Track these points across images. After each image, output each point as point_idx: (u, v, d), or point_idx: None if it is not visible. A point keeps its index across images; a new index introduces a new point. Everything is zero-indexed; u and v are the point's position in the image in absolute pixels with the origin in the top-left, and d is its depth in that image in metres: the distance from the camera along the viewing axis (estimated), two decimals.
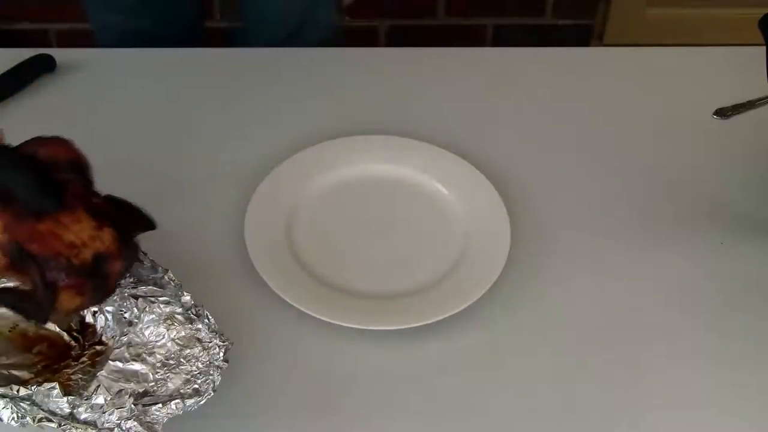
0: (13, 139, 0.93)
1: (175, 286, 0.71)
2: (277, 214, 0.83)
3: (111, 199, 0.68)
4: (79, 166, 0.69)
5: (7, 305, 0.67)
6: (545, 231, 0.84)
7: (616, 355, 0.74)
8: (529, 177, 0.90)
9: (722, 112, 0.97)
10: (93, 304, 0.67)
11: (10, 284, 0.66)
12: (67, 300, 0.63)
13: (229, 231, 0.81)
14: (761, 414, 0.70)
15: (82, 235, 0.64)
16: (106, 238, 0.65)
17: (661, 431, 0.69)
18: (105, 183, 0.87)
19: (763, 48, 0.78)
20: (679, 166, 0.92)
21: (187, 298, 0.69)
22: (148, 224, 0.69)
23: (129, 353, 0.67)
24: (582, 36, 2.06)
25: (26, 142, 0.67)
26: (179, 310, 0.69)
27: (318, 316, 0.74)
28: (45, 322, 0.69)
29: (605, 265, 0.81)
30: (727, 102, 0.98)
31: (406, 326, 0.74)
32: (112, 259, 0.65)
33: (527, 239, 0.82)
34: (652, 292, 0.79)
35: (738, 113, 0.97)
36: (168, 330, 0.68)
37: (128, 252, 0.67)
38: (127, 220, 0.68)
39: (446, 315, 0.74)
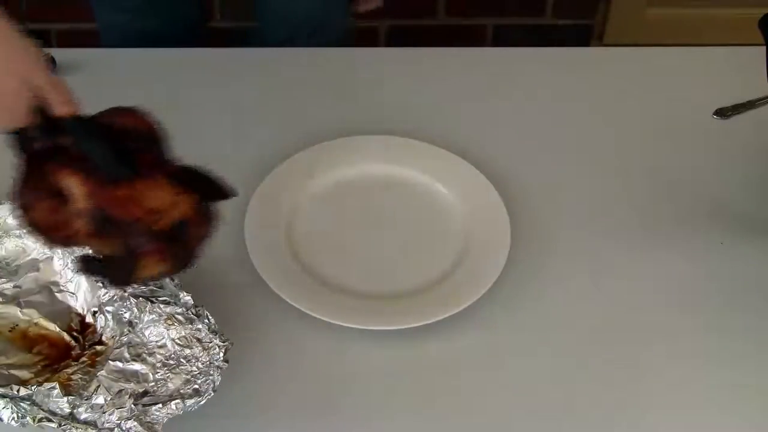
0: None
1: (175, 286, 0.71)
2: (277, 214, 0.83)
3: (187, 168, 0.68)
4: (153, 136, 0.69)
5: (90, 272, 0.68)
6: (545, 231, 0.84)
7: (616, 355, 0.74)
8: (529, 177, 0.90)
9: (722, 112, 0.97)
10: (176, 271, 0.66)
11: (93, 252, 0.67)
12: (149, 266, 0.64)
13: (229, 231, 0.81)
14: (761, 414, 0.70)
15: (162, 201, 0.64)
16: (185, 205, 0.65)
17: (661, 431, 0.69)
18: None
19: (763, 48, 0.78)
20: (679, 166, 0.92)
21: (187, 298, 0.70)
22: (226, 192, 0.68)
23: (129, 353, 0.67)
24: (582, 36, 2.06)
25: (103, 112, 0.68)
26: (179, 310, 0.69)
27: (318, 316, 0.74)
28: (127, 286, 0.70)
29: (605, 265, 0.81)
30: (727, 102, 0.98)
31: (406, 326, 0.74)
32: (192, 225, 0.65)
33: (527, 239, 0.82)
34: (652, 292, 0.79)
35: (738, 113, 0.97)
36: (168, 330, 0.68)
37: (208, 218, 0.67)
38: (204, 188, 0.68)
39: (446, 315, 0.74)
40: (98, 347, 0.70)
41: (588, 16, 2.04)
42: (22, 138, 0.66)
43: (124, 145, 0.66)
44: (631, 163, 0.92)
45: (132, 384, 0.65)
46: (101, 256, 0.66)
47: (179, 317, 0.68)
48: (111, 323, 0.70)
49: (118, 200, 0.64)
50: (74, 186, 0.64)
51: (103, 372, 0.65)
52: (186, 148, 0.92)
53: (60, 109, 0.65)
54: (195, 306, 0.69)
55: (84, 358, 0.69)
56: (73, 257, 0.68)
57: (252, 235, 0.80)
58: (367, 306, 0.76)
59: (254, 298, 0.76)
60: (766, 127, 0.95)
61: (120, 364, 0.66)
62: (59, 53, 1.01)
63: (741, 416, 0.70)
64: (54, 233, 0.66)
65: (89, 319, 0.72)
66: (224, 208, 0.84)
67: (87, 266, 0.67)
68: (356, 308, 0.75)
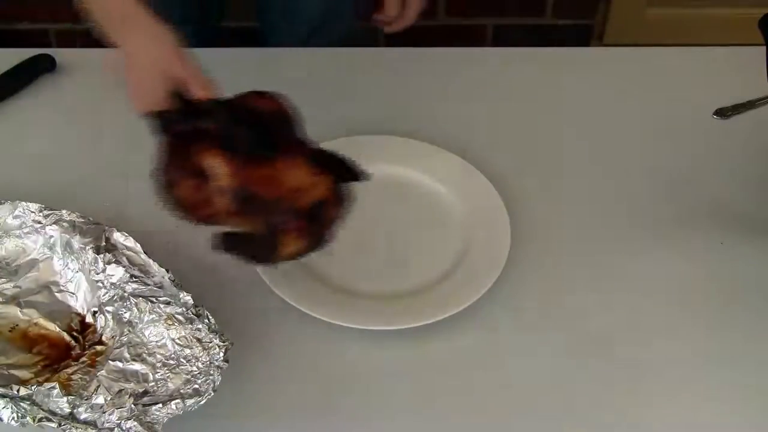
0: (13, 139, 0.93)
1: (175, 286, 0.71)
2: None
3: (322, 150, 0.71)
4: (289, 119, 0.71)
5: (230, 250, 0.69)
6: (545, 231, 0.84)
7: (616, 355, 0.74)
8: (529, 177, 0.90)
9: (722, 112, 0.97)
10: (311, 250, 0.69)
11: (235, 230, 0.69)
12: (289, 243, 0.66)
13: None
14: (761, 414, 0.70)
15: (302, 181, 0.67)
16: (323, 185, 0.67)
17: (661, 431, 0.69)
18: (105, 182, 0.88)
19: (763, 48, 0.78)
20: (679, 166, 0.92)
21: (187, 298, 0.70)
22: (359, 174, 0.71)
23: (129, 353, 0.67)
24: (582, 36, 2.06)
25: (243, 94, 0.71)
26: (179, 310, 0.69)
27: (318, 316, 0.74)
28: (269, 264, 0.71)
29: (605, 265, 0.81)
30: (727, 102, 0.98)
31: (406, 326, 0.74)
32: (328, 205, 0.68)
33: (527, 239, 0.82)
34: (652, 292, 0.79)
35: (738, 113, 0.97)
36: (168, 330, 0.68)
37: (342, 200, 0.69)
38: (339, 170, 0.70)
39: (446, 315, 0.74)
40: (98, 347, 0.70)
41: (588, 16, 2.04)
42: (163, 121, 0.69)
43: (264, 127, 0.68)
44: (631, 163, 0.92)
45: (132, 384, 0.65)
46: (244, 232, 0.68)
47: (179, 317, 0.68)
48: (111, 323, 0.70)
49: (261, 179, 0.66)
50: (217, 165, 0.66)
51: (103, 372, 0.65)
52: None
53: (200, 93, 0.68)
54: (195, 306, 0.69)
55: (84, 358, 0.69)
56: (212, 235, 0.69)
57: None
58: (367, 306, 0.76)
59: (254, 298, 0.76)
60: (766, 127, 0.95)
61: (120, 364, 0.66)
62: (59, 53, 1.01)
63: (741, 416, 0.70)
64: (196, 211, 0.69)
65: (89, 319, 0.72)
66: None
67: (228, 244, 0.68)
68: (356, 308, 0.75)
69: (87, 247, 0.74)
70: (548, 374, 0.73)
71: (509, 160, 0.91)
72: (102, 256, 0.73)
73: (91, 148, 0.92)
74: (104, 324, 0.70)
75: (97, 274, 0.73)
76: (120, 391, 0.64)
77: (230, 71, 1.01)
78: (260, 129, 0.68)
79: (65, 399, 0.63)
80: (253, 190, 0.66)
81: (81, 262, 0.74)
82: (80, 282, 0.74)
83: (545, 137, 0.95)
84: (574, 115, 0.98)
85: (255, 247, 0.68)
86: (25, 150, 0.91)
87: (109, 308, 0.71)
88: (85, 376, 0.67)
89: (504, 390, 0.71)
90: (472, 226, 0.83)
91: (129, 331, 0.68)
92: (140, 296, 0.70)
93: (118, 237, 0.74)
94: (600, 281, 0.80)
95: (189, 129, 0.69)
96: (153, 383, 0.65)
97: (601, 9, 2.03)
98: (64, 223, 0.76)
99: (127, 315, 0.69)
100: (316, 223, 0.67)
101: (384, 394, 0.71)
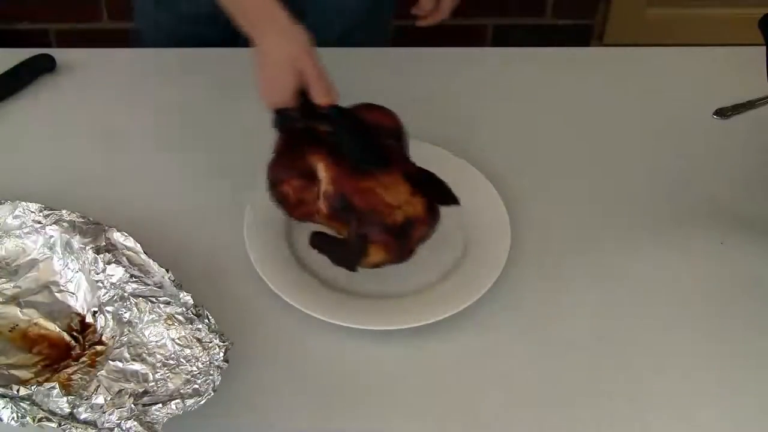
0: (13, 139, 0.93)
1: (175, 286, 0.71)
2: (277, 214, 0.83)
3: (423, 171, 0.75)
4: (400, 134, 0.76)
5: (321, 249, 0.75)
6: (545, 231, 0.84)
7: (616, 354, 0.74)
8: (529, 177, 0.90)
9: (722, 112, 0.97)
10: (393, 263, 0.72)
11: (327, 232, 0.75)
12: (373, 253, 0.71)
13: (229, 231, 0.81)
14: (761, 414, 0.70)
15: (399, 197, 0.71)
16: (417, 205, 0.71)
17: (661, 431, 0.69)
18: (105, 182, 0.88)
19: (763, 48, 0.78)
20: (679, 166, 0.92)
21: (187, 298, 0.70)
22: (452, 199, 0.75)
23: (129, 353, 0.67)
24: (582, 36, 2.06)
25: (355, 106, 0.76)
26: (179, 310, 0.69)
27: (318, 316, 0.74)
28: (352, 269, 0.74)
29: (605, 265, 0.81)
30: (727, 102, 0.98)
31: (406, 326, 0.74)
32: (418, 224, 0.72)
33: (527, 239, 0.82)
34: (652, 292, 0.79)
35: (738, 113, 0.97)
36: (168, 330, 0.68)
37: (433, 221, 0.73)
38: (435, 192, 0.74)
39: (446, 315, 0.74)
40: (98, 347, 0.70)
41: (588, 16, 2.04)
42: (282, 117, 0.73)
43: (376, 140, 0.73)
44: (630, 163, 0.92)
45: (132, 384, 0.65)
46: (336, 236, 0.74)
47: (179, 317, 0.69)
48: (111, 323, 0.70)
49: (361, 190, 0.70)
50: (323, 170, 0.72)
51: (102, 372, 0.65)
52: (186, 148, 0.92)
53: (321, 99, 0.71)
54: (195, 306, 0.69)
55: (84, 358, 0.69)
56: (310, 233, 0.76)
57: (252, 235, 0.80)
58: (367, 306, 0.76)
59: (254, 298, 0.76)
60: (766, 127, 0.95)
61: (120, 364, 0.66)
62: (59, 53, 1.01)
63: (741, 416, 0.70)
64: (297, 209, 0.75)
65: (89, 319, 0.72)
66: (224, 208, 0.85)
67: (319, 243, 0.74)
68: (356, 308, 0.75)
69: (87, 247, 0.74)
70: (548, 374, 0.73)
71: (509, 160, 0.91)
72: (102, 255, 0.73)
73: (91, 148, 0.92)
74: (104, 324, 0.70)
75: (97, 274, 0.73)
76: (120, 391, 0.64)
77: (231, 71, 1.01)
78: (370, 142, 0.73)
79: (65, 399, 0.63)
80: (351, 199, 0.71)
81: (81, 262, 0.74)
82: (80, 282, 0.74)
83: (545, 137, 0.95)
84: (574, 115, 0.98)
85: (343, 251, 0.73)
86: (25, 150, 0.91)
87: (109, 308, 0.71)
88: (85, 376, 0.67)
89: (504, 390, 0.71)
90: (472, 226, 0.83)
91: (129, 331, 0.68)
92: (140, 296, 0.70)
93: (118, 237, 0.74)
94: (600, 281, 0.80)
95: (304, 129, 0.74)
96: (153, 383, 0.65)
97: (601, 9, 2.03)
98: (64, 223, 0.76)
99: (127, 315, 0.69)
100: (404, 240, 0.71)
101: (384, 394, 0.71)
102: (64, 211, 0.77)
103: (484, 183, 0.86)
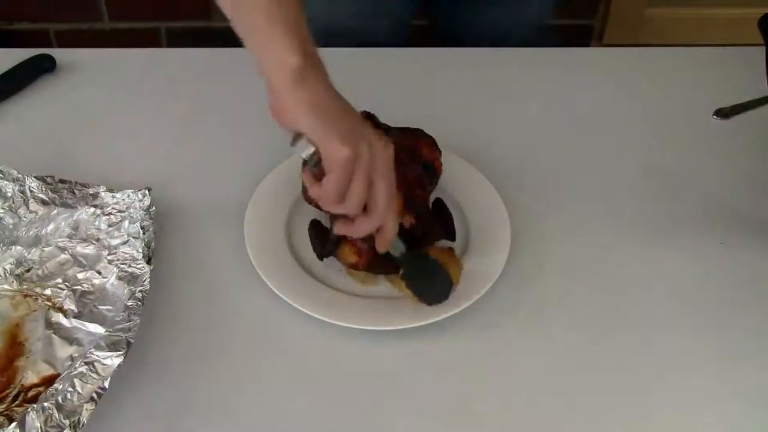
0: (13, 139, 0.93)
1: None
2: (277, 214, 0.83)
3: (437, 203, 0.82)
4: (432, 168, 0.81)
5: (310, 235, 0.79)
6: (545, 231, 0.84)
7: (616, 355, 0.74)
8: (529, 177, 0.90)
9: (722, 112, 0.97)
10: (365, 270, 0.76)
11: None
12: (346, 253, 0.75)
13: (230, 231, 0.81)
14: (761, 414, 0.70)
15: (408, 219, 0.75)
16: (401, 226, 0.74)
17: (661, 431, 0.69)
18: (104, 182, 0.88)
19: (763, 48, 0.78)
20: (679, 166, 0.92)
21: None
22: (449, 235, 0.80)
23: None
24: (582, 36, 2.06)
25: (406, 129, 0.84)
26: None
27: (318, 316, 0.74)
28: (319, 257, 0.78)
29: (605, 265, 0.81)
30: (727, 102, 0.98)
31: (406, 326, 0.74)
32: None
33: (527, 239, 0.82)
34: (652, 291, 0.79)
35: (738, 113, 0.97)
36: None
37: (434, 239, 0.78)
38: (443, 224, 0.79)
39: (446, 315, 0.74)
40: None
41: (588, 16, 2.04)
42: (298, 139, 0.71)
43: (413, 231, 0.75)
44: (631, 163, 0.92)
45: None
46: (325, 228, 0.79)
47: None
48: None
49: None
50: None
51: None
52: (186, 148, 0.92)
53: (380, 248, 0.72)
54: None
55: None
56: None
57: (252, 235, 0.80)
58: (367, 306, 0.76)
59: (254, 298, 0.76)
60: (766, 127, 0.96)
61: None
62: (59, 53, 1.01)
63: (741, 416, 0.70)
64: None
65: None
66: (224, 207, 0.85)
67: (311, 229, 0.80)
68: (356, 308, 0.75)
69: None
70: (548, 374, 0.73)
71: (509, 160, 0.91)
72: None
73: (91, 148, 0.92)
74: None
75: None
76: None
77: (229, 71, 1.01)
78: (411, 233, 0.75)
79: None
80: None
81: None
82: None
83: (545, 137, 0.95)
84: (574, 115, 0.98)
85: (322, 240, 0.77)
86: (25, 150, 0.91)
87: None
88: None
89: (504, 390, 0.71)
90: (472, 226, 0.83)
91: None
92: None
93: None
94: (600, 281, 0.80)
95: None
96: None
97: (601, 9, 2.03)
98: None
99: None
100: (377, 256, 0.74)
101: (384, 394, 0.71)
102: None
103: (484, 183, 0.86)
